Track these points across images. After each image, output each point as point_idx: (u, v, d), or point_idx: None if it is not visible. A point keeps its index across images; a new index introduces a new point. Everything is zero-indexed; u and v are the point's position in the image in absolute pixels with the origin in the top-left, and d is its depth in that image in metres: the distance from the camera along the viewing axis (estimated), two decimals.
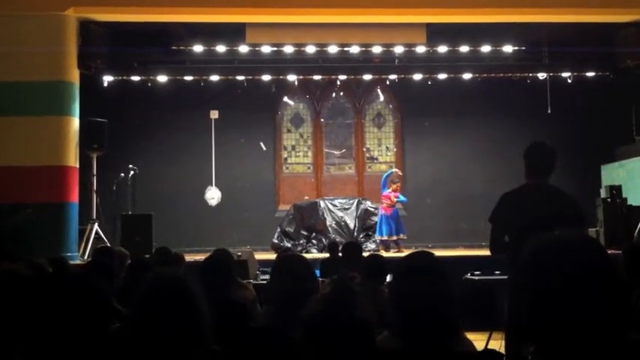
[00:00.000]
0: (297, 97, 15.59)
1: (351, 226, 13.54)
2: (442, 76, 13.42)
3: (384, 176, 13.06)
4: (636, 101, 12.76)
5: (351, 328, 1.98)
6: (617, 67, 12.63)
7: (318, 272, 7.98)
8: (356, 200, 13.87)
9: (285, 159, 15.61)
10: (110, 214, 12.05)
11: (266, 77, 13.47)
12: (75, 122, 11.24)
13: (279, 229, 13.59)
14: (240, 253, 9.50)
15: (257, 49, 12.86)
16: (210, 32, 12.75)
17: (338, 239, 12.41)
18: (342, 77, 14.14)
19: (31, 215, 9.89)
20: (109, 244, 10.40)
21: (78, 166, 11.32)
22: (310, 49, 12.86)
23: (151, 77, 13.18)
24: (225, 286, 4.36)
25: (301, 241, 13.40)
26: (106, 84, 12.76)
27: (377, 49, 12.99)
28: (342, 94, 15.58)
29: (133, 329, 2.24)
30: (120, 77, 12.98)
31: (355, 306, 2.00)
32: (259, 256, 10.60)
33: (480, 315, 6.94)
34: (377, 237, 12.79)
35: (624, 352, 1.48)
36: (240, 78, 13.35)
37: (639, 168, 12.75)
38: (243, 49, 12.89)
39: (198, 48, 13.04)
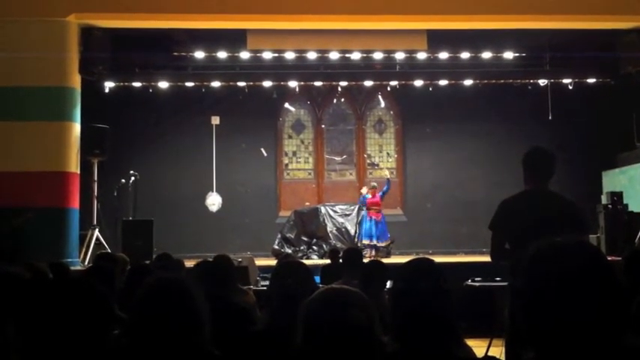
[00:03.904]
0: (298, 103, 15.62)
1: (352, 232, 13.52)
2: (443, 82, 13.43)
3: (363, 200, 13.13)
4: (638, 107, 12.74)
5: (351, 331, 1.97)
6: (618, 74, 12.63)
7: (318, 278, 7.99)
8: (357, 206, 13.86)
9: (286, 165, 15.62)
10: (111, 220, 12.04)
11: (267, 83, 13.48)
12: (76, 128, 11.25)
13: (279, 235, 13.58)
14: (240, 259, 9.50)
15: (258, 55, 12.88)
16: (212, 38, 12.78)
17: (339, 245, 12.40)
18: (344, 83, 14.15)
19: (32, 219, 9.89)
20: (109, 250, 10.40)
21: (79, 171, 11.32)
22: (311, 56, 12.88)
23: (153, 83, 13.20)
24: (225, 291, 4.35)
25: (302, 247, 13.40)
26: (107, 90, 12.76)
27: (378, 56, 13.01)
28: (343, 100, 15.60)
29: (131, 331, 2.24)
30: (121, 83, 12.99)
31: (355, 307, 1.99)
32: (260, 262, 10.58)
33: (480, 321, 6.93)
34: (373, 242, 12.74)
35: (623, 358, 1.48)
36: (242, 84, 13.37)
37: None
38: (245, 55, 12.91)
39: (199, 54, 13.07)
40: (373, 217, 12.77)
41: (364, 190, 13.33)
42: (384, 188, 12.99)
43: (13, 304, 2.18)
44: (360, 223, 13.26)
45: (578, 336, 1.46)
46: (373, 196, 12.87)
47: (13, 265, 3.50)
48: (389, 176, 13.47)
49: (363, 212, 13.10)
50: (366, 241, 12.67)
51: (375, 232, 12.70)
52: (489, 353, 5.43)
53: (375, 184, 13.23)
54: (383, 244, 12.75)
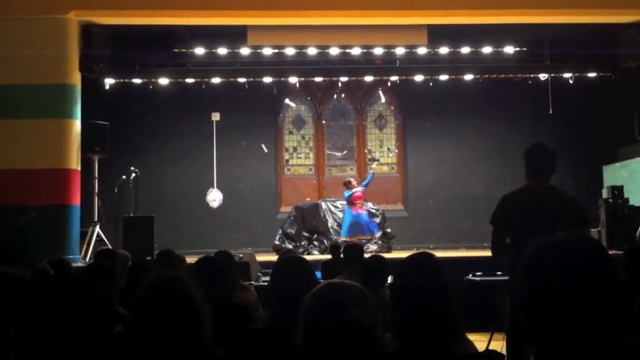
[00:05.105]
0: (298, 99, 15.60)
1: None
2: (443, 77, 13.42)
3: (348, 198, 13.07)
4: (638, 102, 12.73)
5: (351, 328, 1.97)
6: (619, 68, 12.61)
7: (319, 274, 7.99)
8: None
9: (287, 161, 15.61)
10: (112, 217, 12.05)
11: (267, 79, 13.47)
12: (77, 125, 11.25)
13: (280, 231, 13.59)
14: (241, 255, 9.52)
15: (258, 51, 12.87)
16: (212, 35, 12.76)
17: (339, 241, 12.40)
18: (344, 79, 14.13)
19: (33, 219, 9.89)
20: (110, 247, 10.41)
21: (79, 168, 11.32)
22: (311, 51, 12.86)
23: (153, 80, 13.19)
24: (226, 288, 4.36)
25: (303, 243, 13.40)
26: (107, 87, 12.76)
27: (378, 51, 13.00)
28: (343, 95, 15.58)
29: (131, 330, 2.24)
30: (121, 80, 12.99)
31: (356, 304, 1.99)
32: (261, 257, 10.59)
33: (481, 316, 6.93)
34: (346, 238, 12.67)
35: (624, 357, 1.48)
36: (242, 80, 13.36)
37: None
38: (245, 51, 12.89)
39: (199, 50, 13.05)
40: (358, 212, 12.81)
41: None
42: (365, 181, 13.07)
43: (14, 305, 2.18)
44: (343, 220, 13.23)
45: (578, 335, 1.46)
46: (352, 188, 12.93)
47: (15, 264, 3.50)
48: (372, 168, 13.43)
49: (346, 208, 13.07)
50: (345, 238, 12.61)
51: (361, 225, 12.71)
52: (490, 347, 5.44)
53: (350, 179, 13.29)
54: (366, 238, 12.66)
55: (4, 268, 3.00)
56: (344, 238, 12.48)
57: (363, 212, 12.93)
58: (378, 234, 12.98)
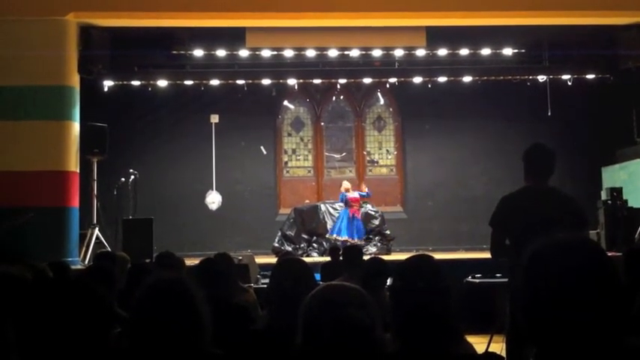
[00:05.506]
0: (297, 101, 15.60)
1: None
2: (442, 79, 13.42)
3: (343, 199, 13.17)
4: (637, 103, 12.74)
5: (351, 329, 1.97)
6: (617, 69, 12.62)
7: (318, 276, 7.99)
8: None
9: (286, 163, 15.62)
10: (111, 219, 12.03)
11: (266, 81, 13.47)
12: (75, 127, 11.24)
13: (279, 233, 13.58)
14: (241, 257, 9.52)
15: (257, 53, 12.88)
16: (211, 37, 12.76)
17: (338, 243, 12.41)
18: (343, 81, 14.13)
19: (32, 219, 9.88)
20: (109, 249, 10.40)
21: (78, 170, 11.32)
22: (310, 53, 12.87)
23: (152, 82, 13.19)
24: (226, 289, 4.35)
25: (302, 245, 13.40)
26: (106, 88, 12.76)
27: (377, 53, 13.01)
28: (342, 97, 15.59)
29: (131, 332, 2.24)
30: (120, 82, 12.98)
31: (355, 305, 1.99)
32: (260, 259, 10.59)
33: (480, 318, 6.93)
34: (345, 238, 12.71)
35: (624, 358, 1.48)
36: (241, 82, 13.35)
37: None
38: (244, 53, 12.89)
39: (198, 52, 13.05)
40: (354, 215, 12.90)
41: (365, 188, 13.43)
42: (363, 194, 13.19)
43: (14, 305, 2.18)
44: (337, 219, 13.33)
45: (579, 336, 1.46)
46: (347, 191, 13.04)
47: (14, 265, 3.49)
48: (366, 190, 13.51)
49: (343, 209, 13.15)
50: (335, 237, 12.70)
51: (351, 228, 12.78)
52: (490, 349, 5.44)
53: (346, 182, 13.41)
54: (356, 242, 12.67)
55: (4, 268, 3.00)
56: (335, 237, 12.60)
57: (359, 217, 13.01)
58: (361, 242, 12.91)
